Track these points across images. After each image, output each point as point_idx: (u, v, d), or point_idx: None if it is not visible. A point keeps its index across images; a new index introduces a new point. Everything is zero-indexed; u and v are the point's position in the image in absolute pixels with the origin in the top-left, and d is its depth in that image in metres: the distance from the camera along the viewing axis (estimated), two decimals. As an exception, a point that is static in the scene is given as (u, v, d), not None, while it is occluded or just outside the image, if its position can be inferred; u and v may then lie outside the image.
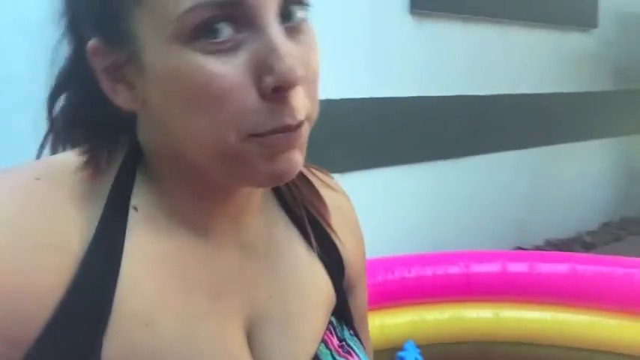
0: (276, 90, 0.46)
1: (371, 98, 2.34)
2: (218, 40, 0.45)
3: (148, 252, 0.51)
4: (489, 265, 1.93)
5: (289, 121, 0.47)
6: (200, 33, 0.45)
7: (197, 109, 0.46)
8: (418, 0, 2.44)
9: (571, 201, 3.43)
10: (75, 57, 0.53)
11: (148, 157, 0.53)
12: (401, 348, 1.73)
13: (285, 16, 0.48)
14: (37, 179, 0.50)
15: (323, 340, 0.59)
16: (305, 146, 0.51)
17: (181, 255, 0.53)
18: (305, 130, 0.50)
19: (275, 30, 0.46)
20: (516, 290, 1.91)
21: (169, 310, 0.51)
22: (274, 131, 0.47)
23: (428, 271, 1.89)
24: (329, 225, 0.64)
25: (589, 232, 3.46)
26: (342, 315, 0.64)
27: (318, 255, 0.62)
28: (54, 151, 0.55)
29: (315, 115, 0.51)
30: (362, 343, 0.64)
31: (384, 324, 1.76)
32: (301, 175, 0.62)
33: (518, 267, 1.92)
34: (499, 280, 1.91)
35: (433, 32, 2.58)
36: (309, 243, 0.62)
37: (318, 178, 0.66)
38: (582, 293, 1.87)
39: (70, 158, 0.52)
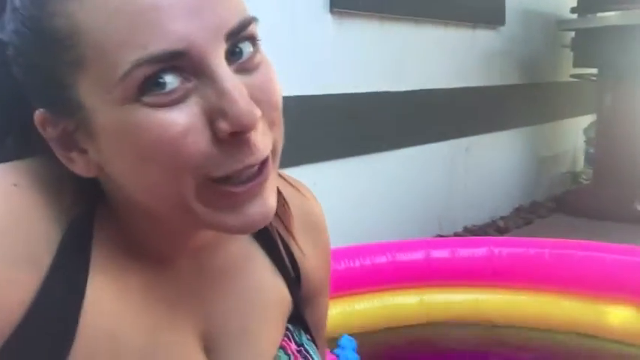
0: (233, 135, 0.44)
1: (292, 96, 2.37)
2: (165, 91, 0.43)
3: (111, 268, 0.51)
4: (414, 253, 2.02)
5: (251, 161, 0.46)
6: (146, 88, 0.43)
7: (151, 161, 0.45)
8: (338, 0, 2.50)
9: (485, 189, 3.60)
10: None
11: (108, 193, 0.52)
12: (336, 342, 1.76)
13: (236, 53, 0.46)
14: (15, 185, 0.48)
15: (281, 347, 0.61)
16: (275, 180, 0.49)
17: (141, 272, 0.53)
18: (271, 165, 0.48)
19: (224, 73, 0.44)
20: (440, 275, 2.02)
21: (132, 324, 0.51)
22: (235, 174, 0.46)
23: (357, 263, 1.96)
24: (291, 236, 0.63)
25: (502, 217, 3.64)
26: (299, 321, 0.64)
27: (276, 265, 0.63)
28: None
29: (281, 142, 0.50)
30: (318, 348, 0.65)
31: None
32: None
33: (440, 253, 2.03)
34: (424, 266, 2.01)
35: (352, 31, 2.65)
36: (268, 254, 0.62)
37: (289, 184, 0.65)
38: (499, 273, 2.01)
39: (47, 164, 0.51)
